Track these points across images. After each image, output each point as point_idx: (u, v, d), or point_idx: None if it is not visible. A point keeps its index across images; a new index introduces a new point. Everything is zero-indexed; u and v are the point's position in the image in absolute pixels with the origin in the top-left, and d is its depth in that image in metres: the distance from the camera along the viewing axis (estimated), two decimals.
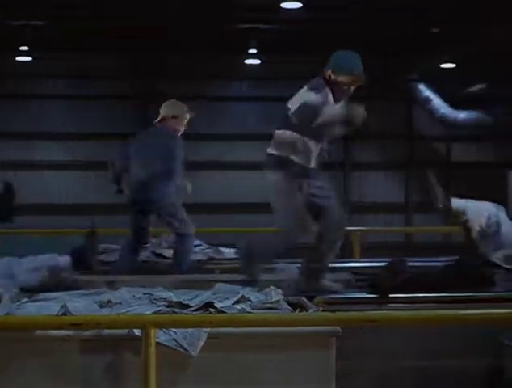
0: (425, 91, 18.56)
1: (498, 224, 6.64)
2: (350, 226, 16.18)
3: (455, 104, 18.74)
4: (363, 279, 5.80)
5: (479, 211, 6.78)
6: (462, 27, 14.55)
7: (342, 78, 5.67)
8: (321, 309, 4.24)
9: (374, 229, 16.02)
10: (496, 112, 18.80)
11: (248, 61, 17.39)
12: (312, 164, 5.62)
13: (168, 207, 7.08)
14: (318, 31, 15.25)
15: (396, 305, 4.84)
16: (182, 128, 7.30)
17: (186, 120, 7.29)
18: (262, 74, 18.07)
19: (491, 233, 6.56)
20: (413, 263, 6.34)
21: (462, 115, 18.76)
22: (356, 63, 5.79)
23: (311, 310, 4.17)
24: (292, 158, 5.51)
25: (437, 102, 18.65)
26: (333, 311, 3.76)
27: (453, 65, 17.61)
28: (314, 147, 5.60)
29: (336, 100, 5.67)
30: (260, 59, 17.33)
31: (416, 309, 4.59)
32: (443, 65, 17.57)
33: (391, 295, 5.08)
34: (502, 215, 6.84)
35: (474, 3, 12.84)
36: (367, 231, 15.08)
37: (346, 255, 12.77)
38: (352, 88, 5.81)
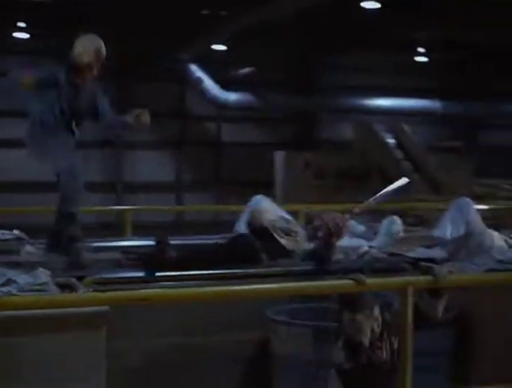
0: (197, 72, 18.80)
1: None
2: (122, 205, 16.18)
3: (225, 85, 19.16)
4: (133, 258, 5.79)
5: None
6: (233, 8, 14.88)
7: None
8: (91, 289, 4.20)
9: (145, 208, 16.07)
10: (265, 94, 19.44)
11: (16, 35, 16.78)
12: None
13: None
14: (89, 7, 14.99)
15: (167, 283, 4.88)
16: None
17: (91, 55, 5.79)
18: (30, 49, 17.48)
19: None
20: (183, 241, 6.41)
21: (232, 96, 19.20)
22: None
23: (80, 291, 4.13)
24: None
25: (208, 83, 18.96)
26: (103, 291, 3.75)
27: (224, 47, 18.00)
28: None
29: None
30: (29, 33, 16.77)
31: (186, 286, 4.66)
32: (214, 47, 17.91)
33: (161, 273, 5.11)
34: None
35: None
36: (139, 210, 15.11)
37: (118, 234, 12.71)
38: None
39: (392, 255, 6.00)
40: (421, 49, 19.19)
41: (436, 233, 6.11)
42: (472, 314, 5.13)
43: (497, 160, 21.92)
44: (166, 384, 4.74)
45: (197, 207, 19.00)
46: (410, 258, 5.63)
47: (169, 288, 4.30)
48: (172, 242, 5.48)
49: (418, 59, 20.40)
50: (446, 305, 5.11)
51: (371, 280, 3.96)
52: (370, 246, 6.02)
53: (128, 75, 19.09)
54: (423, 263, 4.65)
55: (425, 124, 22.16)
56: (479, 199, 14.63)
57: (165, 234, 5.51)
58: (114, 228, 16.66)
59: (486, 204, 12.37)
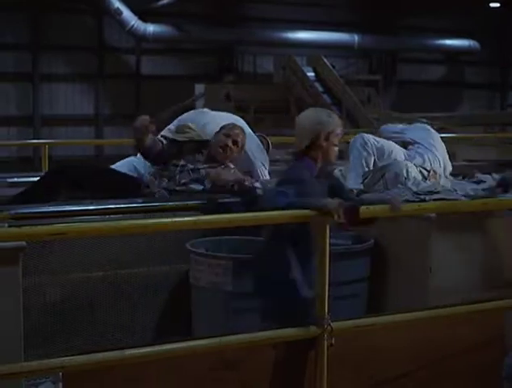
0: (116, 3, 18.39)
1: None
2: (39, 139, 15.85)
3: (144, 17, 18.82)
4: None
5: None
6: None
7: None
8: (7, 225, 4.14)
9: (63, 142, 15.83)
10: (185, 26, 19.19)
11: None
12: None
13: None
14: None
15: (86, 218, 4.84)
16: None
17: None
18: None
19: None
20: None
21: (152, 28, 18.91)
22: None
23: None
24: None
25: (127, 14, 18.61)
26: (19, 226, 3.68)
27: None
28: None
29: None
30: None
31: (105, 220, 4.64)
32: None
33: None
34: None
35: None
36: (57, 144, 14.87)
37: (36, 168, 12.51)
38: None
39: None
40: None
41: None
42: (387, 244, 5.24)
43: (414, 94, 22.23)
44: (85, 318, 4.73)
45: (117, 141, 18.76)
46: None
47: (87, 222, 4.26)
48: None
49: None
50: (363, 235, 5.22)
51: (288, 212, 3.98)
52: None
53: (45, 7, 18.54)
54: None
55: (345, 58, 22.26)
56: None
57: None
58: (32, 162, 16.40)
59: None
